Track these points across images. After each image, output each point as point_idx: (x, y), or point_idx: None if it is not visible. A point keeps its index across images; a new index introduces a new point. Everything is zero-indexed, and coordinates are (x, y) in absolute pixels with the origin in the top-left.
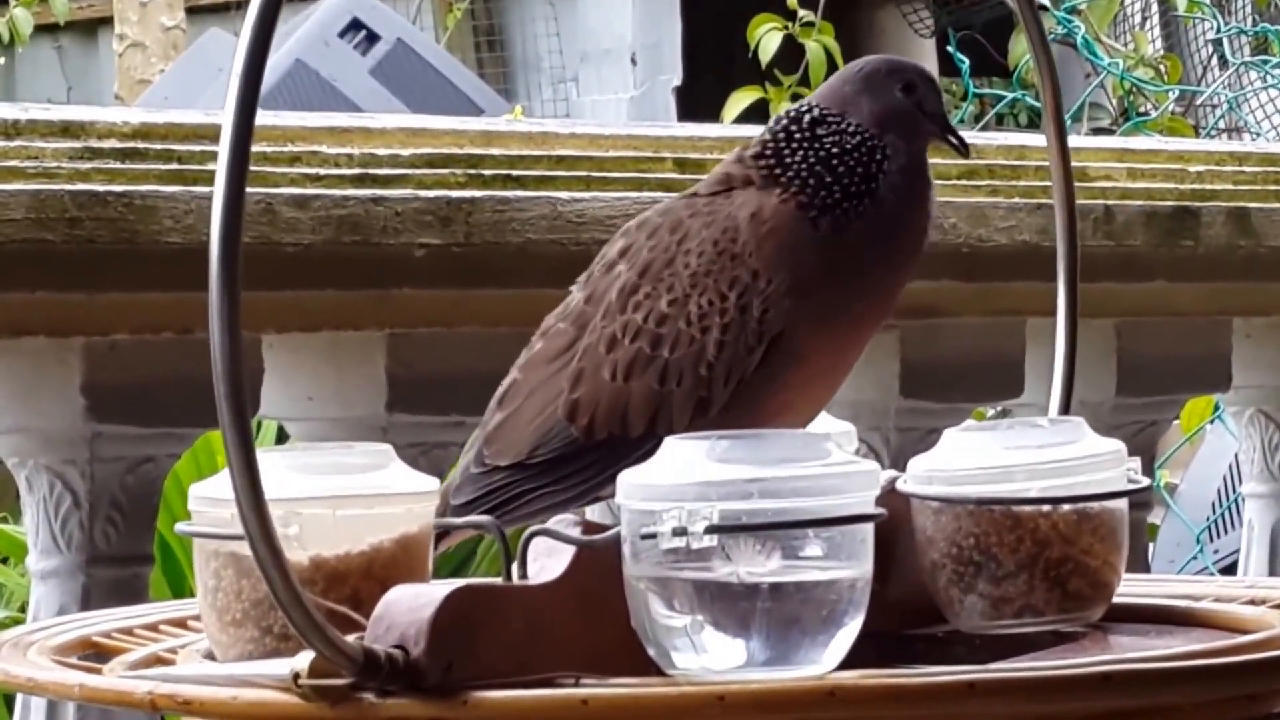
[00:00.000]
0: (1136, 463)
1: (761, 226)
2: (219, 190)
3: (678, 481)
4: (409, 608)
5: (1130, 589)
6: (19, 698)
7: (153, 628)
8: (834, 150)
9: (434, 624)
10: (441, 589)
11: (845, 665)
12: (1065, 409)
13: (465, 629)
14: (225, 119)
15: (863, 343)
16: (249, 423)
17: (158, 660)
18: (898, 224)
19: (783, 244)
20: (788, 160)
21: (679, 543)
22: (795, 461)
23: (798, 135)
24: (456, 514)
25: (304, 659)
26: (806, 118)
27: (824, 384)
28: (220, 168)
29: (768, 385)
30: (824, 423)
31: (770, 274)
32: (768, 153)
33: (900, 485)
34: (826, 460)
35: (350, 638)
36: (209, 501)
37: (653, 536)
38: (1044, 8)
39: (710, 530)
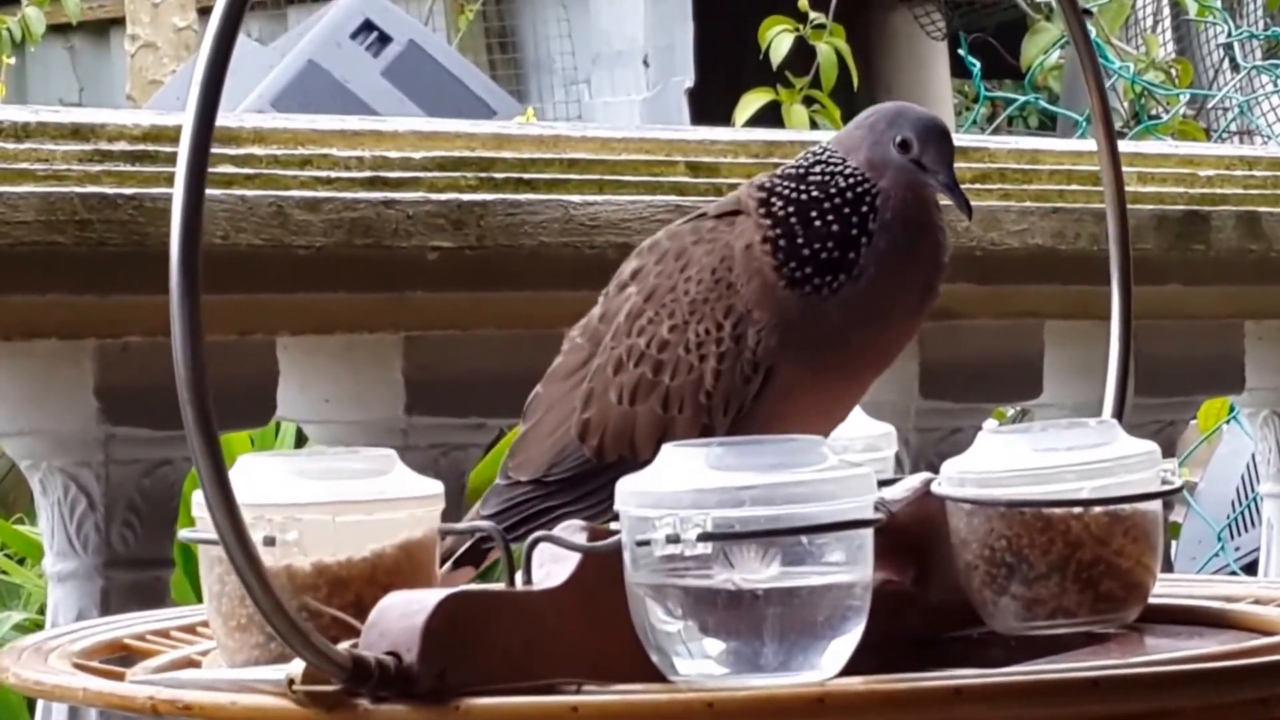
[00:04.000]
0: (1172, 464)
1: (751, 263)
2: (178, 192)
3: (673, 489)
4: (401, 614)
5: (1169, 589)
6: (39, 703)
7: (190, 630)
8: (816, 195)
9: (426, 630)
10: (435, 595)
11: (876, 669)
12: (1119, 412)
13: (460, 635)
14: (186, 120)
15: (859, 384)
16: (215, 427)
17: (189, 664)
18: (887, 292)
19: (764, 286)
20: (773, 199)
21: (673, 550)
22: (790, 468)
23: (793, 172)
24: None
25: (299, 665)
26: (811, 157)
27: (822, 418)
28: (179, 171)
29: (765, 417)
30: (862, 424)
31: (756, 310)
32: (766, 185)
33: (934, 487)
34: (821, 466)
35: (348, 644)
36: None
37: (648, 544)
38: (1087, 12)
39: (703, 538)
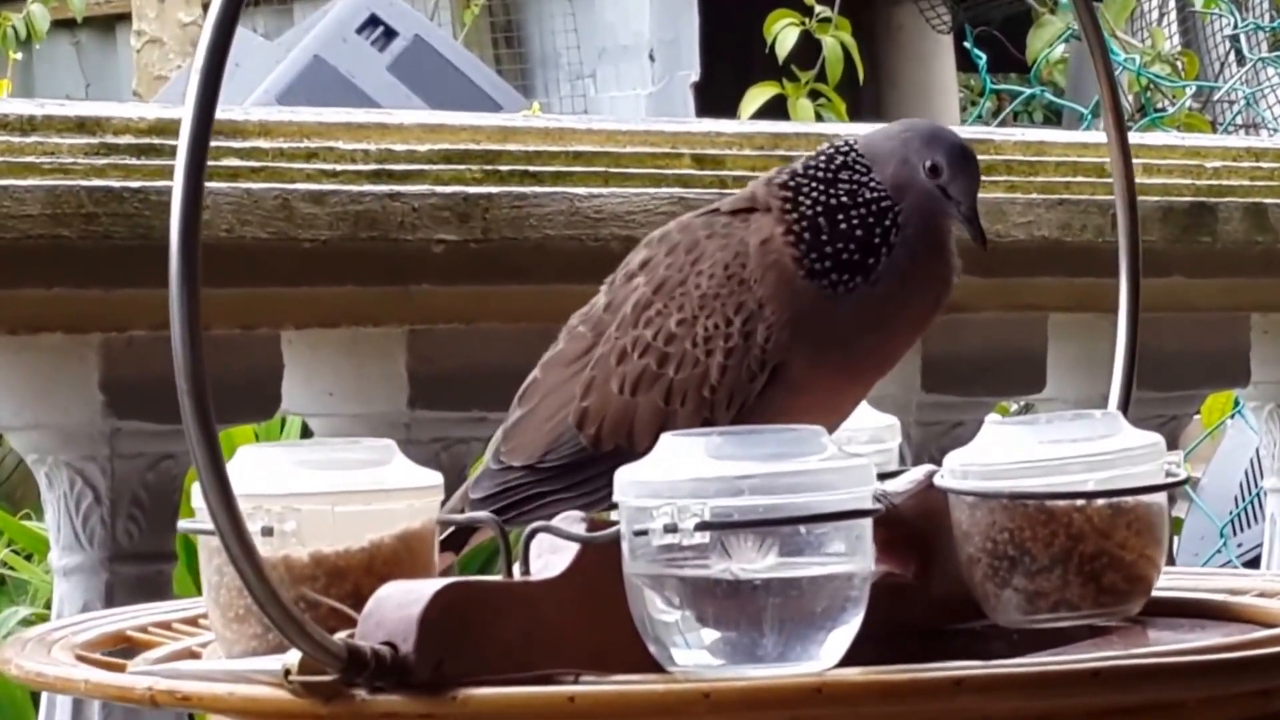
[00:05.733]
0: (1177, 456)
1: (767, 257)
2: (178, 184)
3: (672, 478)
4: (398, 604)
5: (1172, 583)
6: (44, 696)
7: (191, 622)
8: (845, 201)
9: (423, 620)
10: (432, 585)
11: (877, 661)
12: (1125, 406)
13: (457, 626)
14: (185, 114)
15: (861, 386)
16: (212, 418)
17: (190, 655)
18: (898, 301)
19: (782, 279)
20: (801, 198)
21: (671, 539)
22: (789, 458)
23: (821, 174)
24: (475, 509)
25: (296, 655)
26: (839, 159)
27: (825, 416)
28: (179, 164)
29: (768, 412)
30: (867, 417)
31: (770, 304)
32: (791, 183)
33: (937, 480)
34: (821, 456)
35: (344, 634)
36: None
37: (645, 533)
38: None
39: (701, 527)
